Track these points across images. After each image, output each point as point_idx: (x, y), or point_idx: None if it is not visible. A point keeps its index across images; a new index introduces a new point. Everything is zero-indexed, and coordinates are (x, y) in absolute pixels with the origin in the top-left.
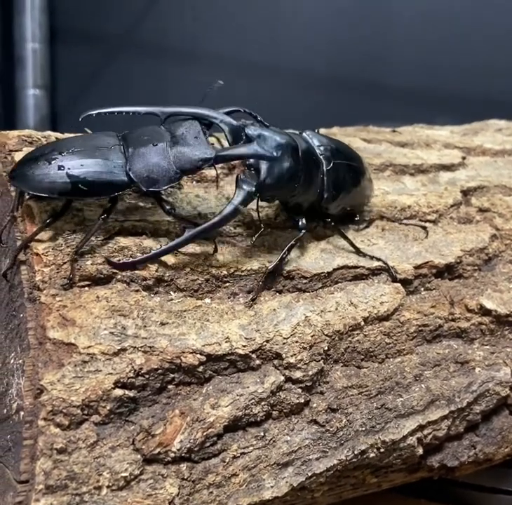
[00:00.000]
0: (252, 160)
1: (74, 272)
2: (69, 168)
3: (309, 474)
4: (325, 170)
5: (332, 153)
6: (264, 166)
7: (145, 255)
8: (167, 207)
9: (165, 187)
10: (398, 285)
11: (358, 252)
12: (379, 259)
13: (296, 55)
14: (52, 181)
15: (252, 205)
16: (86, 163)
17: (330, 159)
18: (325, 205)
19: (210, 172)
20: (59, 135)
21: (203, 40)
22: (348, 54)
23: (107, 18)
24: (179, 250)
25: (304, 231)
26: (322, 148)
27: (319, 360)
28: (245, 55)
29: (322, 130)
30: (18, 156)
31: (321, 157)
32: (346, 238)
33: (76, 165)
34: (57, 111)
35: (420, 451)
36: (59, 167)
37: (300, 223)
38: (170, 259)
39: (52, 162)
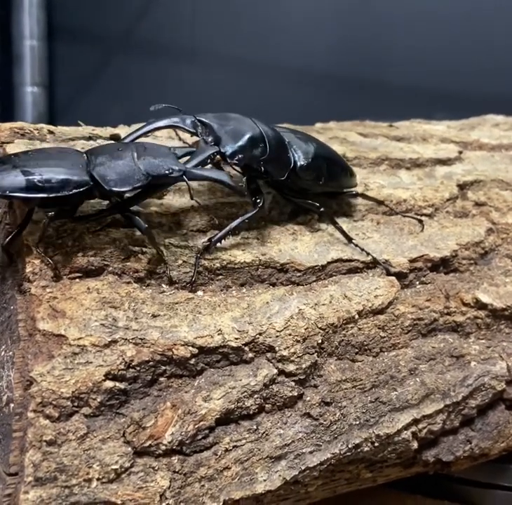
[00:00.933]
0: (211, 138)
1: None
2: (25, 167)
3: (303, 468)
4: (291, 142)
5: (299, 136)
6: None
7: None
8: (144, 227)
9: (130, 189)
10: (393, 278)
11: (349, 240)
12: (368, 254)
13: (295, 52)
14: (5, 178)
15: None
16: (43, 162)
17: (298, 138)
18: (302, 172)
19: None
20: (51, 128)
21: (202, 38)
22: (346, 51)
23: (106, 16)
24: (172, 243)
25: (256, 210)
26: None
27: (313, 354)
28: (244, 53)
29: (318, 124)
30: (10, 148)
31: (285, 136)
32: (335, 224)
33: (33, 164)
34: (55, 108)
35: (415, 445)
36: (15, 167)
37: (258, 200)
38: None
39: (7, 163)
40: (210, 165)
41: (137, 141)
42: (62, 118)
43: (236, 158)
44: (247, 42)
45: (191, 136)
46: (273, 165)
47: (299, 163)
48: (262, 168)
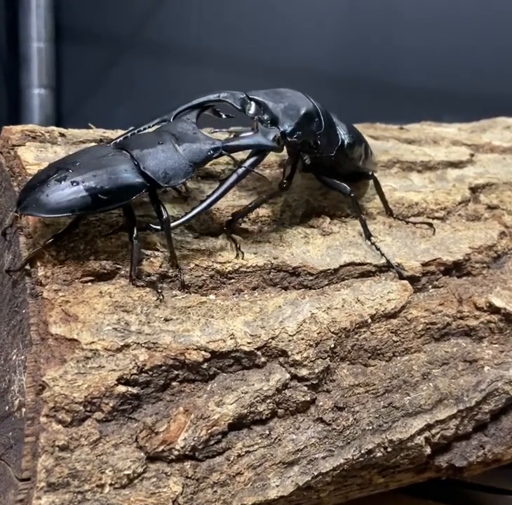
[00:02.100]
0: (267, 116)
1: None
2: (83, 181)
3: (315, 473)
4: (337, 120)
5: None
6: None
7: (190, 213)
8: (165, 216)
9: (183, 180)
10: (406, 282)
11: (367, 236)
12: (382, 255)
13: (304, 54)
14: (70, 198)
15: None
16: (97, 172)
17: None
18: (347, 150)
19: (215, 168)
20: (62, 130)
21: (208, 39)
22: (356, 53)
23: (113, 17)
24: (184, 246)
25: (279, 191)
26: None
27: (325, 358)
28: (251, 55)
29: None
30: (21, 151)
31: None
32: (360, 213)
33: (89, 177)
34: (62, 110)
35: (428, 450)
36: (74, 183)
37: (284, 183)
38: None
39: (64, 180)
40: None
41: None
42: (70, 120)
43: (295, 136)
44: (254, 43)
45: (240, 112)
46: (325, 140)
47: (346, 141)
48: (318, 142)
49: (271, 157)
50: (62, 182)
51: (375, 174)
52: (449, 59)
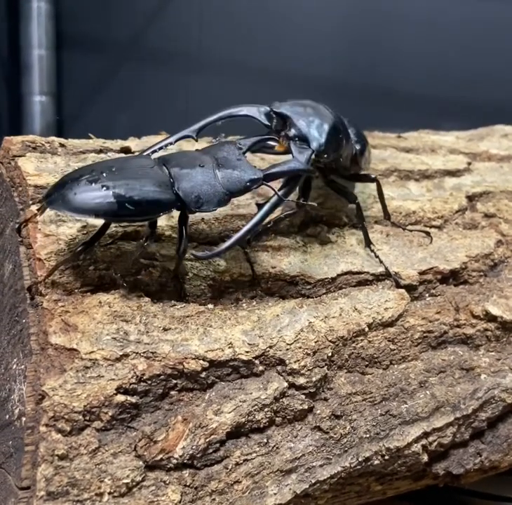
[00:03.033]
0: (294, 132)
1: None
2: (114, 187)
3: (313, 481)
4: (349, 129)
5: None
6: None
7: (227, 243)
8: (182, 247)
9: (215, 208)
10: (403, 290)
11: (367, 244)
12: (381, 262)
13: (303, 61)
14: (97, 201)
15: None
16: (131, 182)
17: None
18: (359, 157)
19: None
20: (63, 141)
21: (209, 46)
22: (354, 60)
23: (113, 25)
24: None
25: (297, 209)
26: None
27: (323, 366)
28: (251, 61)
29: None
30: (22, 162)
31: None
32: (363, 220)
33: (121, 185)
34: (64, 117)
35: (425, 458)
36: (104, 187)
37: (302, 200)
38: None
39: (95, 182)
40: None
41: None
42: (71, 127)
43: (326, 155)
44: (254, 50)
45: (266, 128)
46: (345, 154)
47: (357, 148)
48: (341, 159)
49: None
50: (93, 184)
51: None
52: (448, 67)
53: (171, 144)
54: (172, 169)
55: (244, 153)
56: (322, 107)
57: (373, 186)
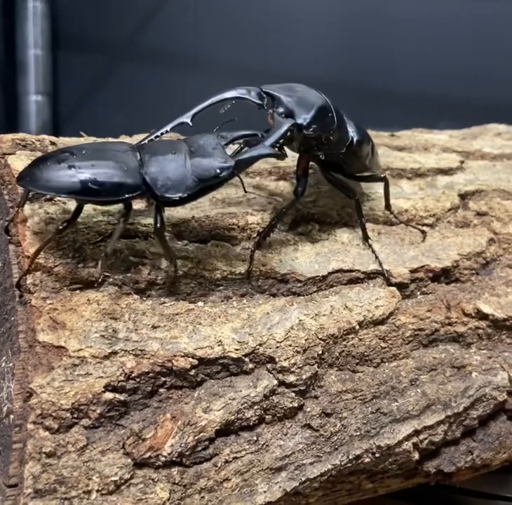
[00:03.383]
0: (282, 110)
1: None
2: (79, 168)
3: (303, 479)
4: (346, 118)
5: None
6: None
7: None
8: (158, 225)
9: (180, 195)
10: (394, 288)
11: (365, 239)
12: (377, 257)
13: (298, 60)
14: (61, 180)
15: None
16: (98, 163)
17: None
18: (356, 148)
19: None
20: (53, 139)
21: (205, 47)
22: (349, 59)
23: (109, 25)
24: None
25: (295, 198)
26: None
27: (313, 364)
28: (247, 61)
29: None
30: (12, 160)
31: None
32: (361, 217)
33: (87, 165)
34: (59, 117)
35: (416, 456)
36: (70, 167)
37: (299, 189)
38: (163, 262)
39: (63, 162)
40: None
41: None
42: (66, 127)
43: (311, 129)
44: (251, 50)
45: (258, 108)
46: (337, 136)
47: (355, 138)
48: (330, 138)
49: (261, 165)
50: (61, 164)
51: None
52: (444, 66)
53: (167, 132)
54: (144, 155)
55: (226, 144)
56: (313, 90)
57: (366, 183)
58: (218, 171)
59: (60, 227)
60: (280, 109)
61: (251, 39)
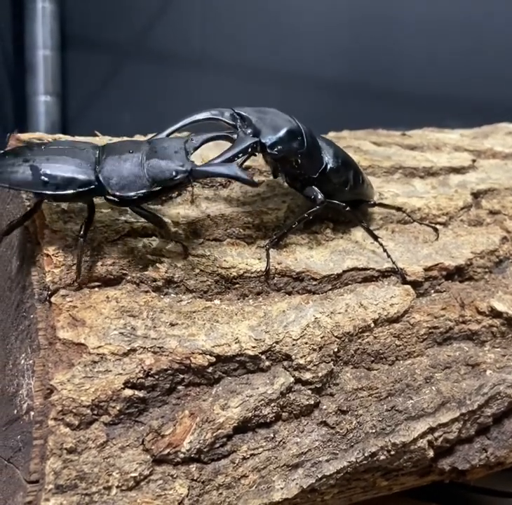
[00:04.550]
0: (250, 130)
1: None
2: (33, 161)
3: (319, 476)
4: (326, 145)
5: (326, 141)
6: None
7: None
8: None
9: (133, 194)
10: (408, 287)
11: (375, 238)
12: (389, 256)
13: (306, 60)
14: (14, 171)
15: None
16: (53, 158)
17: (325, 142)
18: (331, 174)
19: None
20: (69, 137)
21: (212, 46)
22: (358, 59)
23: (118, 25)
24: (190, 252)
25: (319, 206)
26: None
27: (329, 362)
28: (255, 61)
29: (331, 134)
30: None
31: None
32: (362, 222)
33: (41, 159)
34: (68, 117)
35: (431, 453)
36: (25, 160)
37: (319, 196)
38: (179, 260)
39: (19, 156)
40: (218, 160)
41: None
42: (75, 127)
43: (276, 149)
44: (258, 50)
45: (231, 129)
46: (308, 160)
47: (329, 165)
48: (299, 161)
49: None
50: (17, 157)
51: (375, 200)
52: (452, 66)
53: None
54: (103, 153)
55: (194, 148)
56: (285, 115)
57: (379, 182)
58: (173, 173)
59: (81, 235)
60: (249, 130)
61: (258, 39)
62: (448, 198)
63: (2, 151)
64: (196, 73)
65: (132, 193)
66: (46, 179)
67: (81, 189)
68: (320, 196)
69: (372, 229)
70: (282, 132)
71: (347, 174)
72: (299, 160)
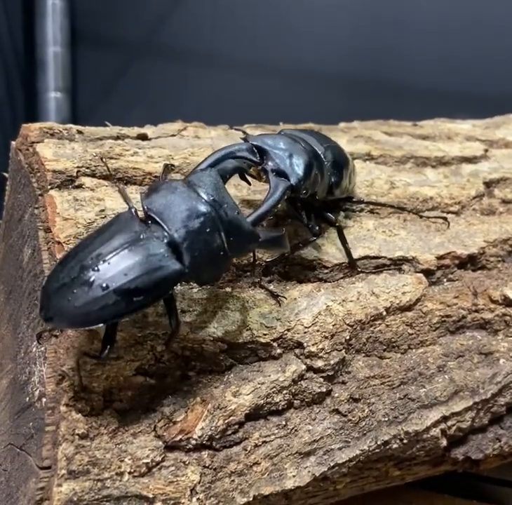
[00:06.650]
0: (273, 166)
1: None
2: (113, 284)
3: (331, 464)
4: (324, 158)
5: (324, 145)
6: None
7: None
8: None
9: (220, 279)
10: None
11: (352, 264)
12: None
13: (317, 55)
14: (101, 307)
15: None
16: (128, 269)
17: (324, 149)
18: (335, 189)
19: None
20: (80, 128)
21: (221, 43)
22: (367, 53)
23: (128, 22)
24: None
25: (315, 238)
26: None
27: (341, 350)
28: (264, 57)
29: (342, 124)
30: (40, 147)
31: (319, 151)
32: (345, 243)
33: (120, 277)
34: (78, 114)
35: (444, 442)
36: (103, 288)
37: (316, 229)
38: None
39: (92, 283)
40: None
41: None
42: (85, 124)
43: (304, 191)
44: (268, 46)
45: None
46: (321, 187)
47: (333, 180)
48: (316, 192)
49: None
50: (91, 286)
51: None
52: (461, 58)
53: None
54: (166, 225)
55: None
56: (298, 145)
57: (390, 171)
58: (250, 247)
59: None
60: (269, 164)
61: (267, 36)
62: (460, 187)
63: (56, 276)
64: (206, 69)
65: (220, 280)
66: (140, 297)
67: (177, 283)
68: (316, 229)
69: (382, 217)
70: (305, 170)
71: (346, 181)
72: (317, 192)
